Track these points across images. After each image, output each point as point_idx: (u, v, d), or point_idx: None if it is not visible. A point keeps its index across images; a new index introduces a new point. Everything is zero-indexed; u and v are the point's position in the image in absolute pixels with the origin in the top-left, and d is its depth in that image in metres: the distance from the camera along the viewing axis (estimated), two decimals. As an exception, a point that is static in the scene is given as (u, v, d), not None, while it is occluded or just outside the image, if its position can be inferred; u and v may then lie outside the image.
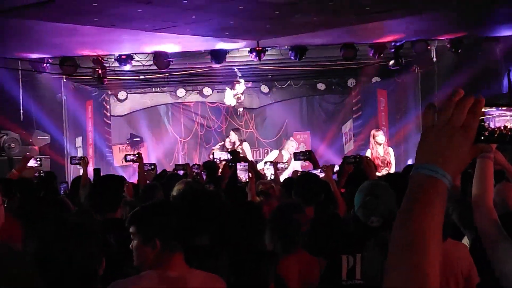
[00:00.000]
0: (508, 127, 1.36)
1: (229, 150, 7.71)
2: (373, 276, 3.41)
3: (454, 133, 1.37)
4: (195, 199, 3.89)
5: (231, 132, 15.37)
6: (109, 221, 4.41)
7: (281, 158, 14.06)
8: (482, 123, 1.36)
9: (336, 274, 3.58)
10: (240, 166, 7.21)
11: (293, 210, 4.40)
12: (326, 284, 3.62)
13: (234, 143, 14.85)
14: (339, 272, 3.58)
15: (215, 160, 8.25)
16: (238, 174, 7.09)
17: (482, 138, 1.37)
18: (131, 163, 8.73)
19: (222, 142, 15.66)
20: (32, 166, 6.91)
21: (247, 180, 6.85)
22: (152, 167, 9.39)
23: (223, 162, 8.31)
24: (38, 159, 7.23)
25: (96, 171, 9.10)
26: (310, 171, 7.17)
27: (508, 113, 1.37)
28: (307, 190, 5.27)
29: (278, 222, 4.27)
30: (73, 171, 13.90)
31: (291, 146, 14.86)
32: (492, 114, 1.37)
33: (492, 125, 1.37)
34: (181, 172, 9.24)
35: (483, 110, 1.36)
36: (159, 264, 2.99)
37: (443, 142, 1.38)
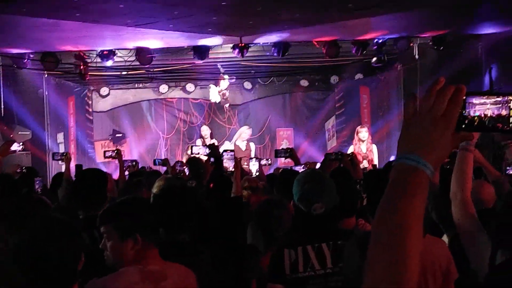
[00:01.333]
0: (488, 115, 1.36)
1: (207, 144, 7.68)
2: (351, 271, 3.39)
3: (435, 122, 1.37)
4: (172, 195, 3.87)
5: (204, 127, 15.28)
6: (94, 218, 4.37)
7: (239, 149, 13.94)
8: (464, 112, 1.37)
9: (280, 268, 3.56)
10: (226, 155, 7.19)
11: (275, 207, 4.40)
12: (271, 279, 3.61)
13: (205, 137, 14.74)
14: (282, 266, 3.55)
15: (193, 155, 8.22)
16: (225, 163, 7.07)
17: (463, 126, 1.37)
18: (111, 159, 8.69)
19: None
20: (15, 150, 6.81)
21: (233, 169, 6.83)
22: (134, 163, 9.36)
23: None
24: (21, 143, 7.15)
25: (78, 167, 9.05)
26: (293, 168, 7.18)
27: (488, 101, 1.37)
28: (287, 186, 5.26)
29: (260, 218, 4.27)
30: (54, 167, 13.82)
31: (244, 133, 14.76)
32: (473, 103, 1.37)
33: (472, 114, 1.37)
34: (162, 170, 9.21)
35: (463, 98, 1.37)
36: (138, 259, 2.97)
37: (424, 131, 1.38)
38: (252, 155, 13.99)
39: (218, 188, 6.81)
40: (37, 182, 7.19)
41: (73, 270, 2.65)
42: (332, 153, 7.62)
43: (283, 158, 9.17)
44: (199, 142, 14.47)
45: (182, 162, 9.82)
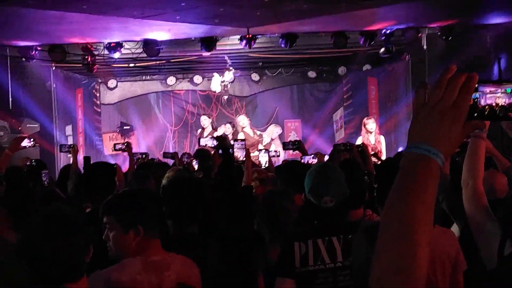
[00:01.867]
0: (499, 104, 1.34)
1: (216, 136, 7.65)
2: (359, 262, 3.38)
3: (446, 111, 1.36)
4: (180, 187, 3.86)
5: (203, 117, 15.21)
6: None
7: (249, 136, 13.91)
8: (475, 100, 1.35)
9: (289, 261, 3.55)
10: (237, 144, 7.17)
11: (280, 197, 4.37)
12: (280, 273, 3.60)
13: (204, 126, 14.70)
14: (292, 259, 3.55)
15: (201, 147, 8.23)
16: (236, 153, 7.05)
17: (475, 115, 1.35)
18: (121, 151, 8.71)
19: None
20: (25, 146, 6.81)
21: (244, 159, 6.82)
22: (144, 156, 9.36)
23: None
24: (32, 139, 7.15)
25: (86, 159, 9.05)
26: (302, 158, 7.15)
27: (499, 89, 1.35)
28: (292, 177, 5.25)
29: (265, 210, 4.25)
30: (63, 160, 13.85)
31: (242, 122, 14.71)
32: (484, 92, 1.35)
33: (483, 102, 1.35)
34: (170, 162, 9.20)
35: (475, 87, 1.35)
36: (140, 251, 2.98)
37: (435, 120, 1.37)
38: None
39: (227, 178, 6.81)
40: (44, 175, 7.19)
41: (80, 263, 2.64)
42: (341, 144, 7.61)
43: (291, 150, 9.15)
44: (206, 132, 14.43)
45: (189, 154, 9.82)
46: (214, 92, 16.86)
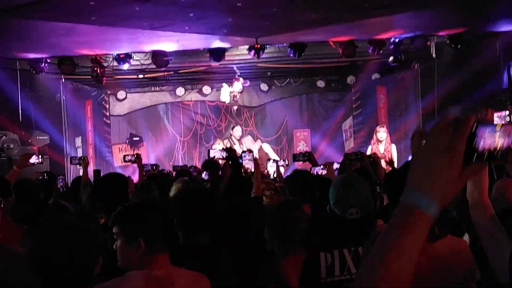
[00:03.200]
0: (498, 147, 1.28)
1: (225, 148, 7.64)
2: None
3: (438, 156, 1.30)
4: (190, 198, 3.84)
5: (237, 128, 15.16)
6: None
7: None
8: (473, 144, 1.29)
9: (315, 271, 3.53)
10: (246, 156, 7.16)
11: (290, 208, 4.34)
12: (305, 283, 3.57)
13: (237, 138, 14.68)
14: (318, 269, 3.52)
15: (211, 158, 8.23)
16: (245, 164, 7.04)
17: (474, 159, 1.29)
18: (130, 163, 8.74)
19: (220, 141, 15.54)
20: (33, 163, 6.82)
21: (253, 170, 6.80)
22: (154, 167, 9.38)
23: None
24: (40, 156, 7.17)
25: (96, 172, 9.07)
26: (312, 169, 7.13)
27: (497, 130, 1.30)
28: (300, 188, 5.23)
29: (275, 221, 4.22)
30: (73, 172, 13.88)
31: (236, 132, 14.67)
32: (482, 133, 1.30)
33: (482, 145, 1.29)
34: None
35: (472, 129, 1.30)
36: (144, 264, 2.94)
37: (428, 166, 1.31)
38: (271, 155, 13.89)
39: (237, 190, 6.80)
40: (60, 180, 7.21)
41: (90, 273, 2.63)
42: (352, 153, 7.60)
43: (301, 162, 9.15)
44: (218, 145, 14.44)
45: (195, 167, 9.83)
46: (223, 102, 16.90)
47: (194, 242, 3.66)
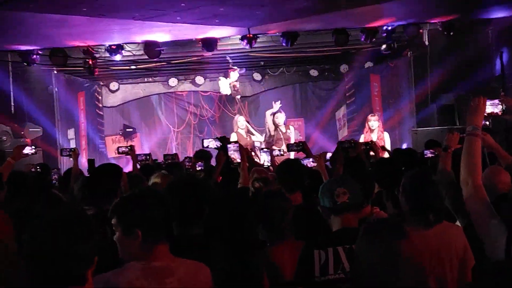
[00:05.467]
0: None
1: (218, 137, 7.61)
2: (360, 269, 3.34)
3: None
4: (184, 188, 3.83)
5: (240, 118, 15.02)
6: (106, 212, 4.34)
7: (241, 137, 13.83)
8: None
9: (309, 270, 3.50)
10: (231, 146, 7.15)
11: (275, 197, 4.34)
12: (299, 281, 3.56)
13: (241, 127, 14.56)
14: (312, 268, 3.50)
15: (204, 148, 8.20)
16: (231, 155, 7.03)
17: None
18: (124, 154, 8.71)
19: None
20: (27, 154, 6.79)
21: (240, 161, 6.81)
22: (147, 157, 9.33)
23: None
24: (33, 146, 7.12)
25: (90, 161, 8.98)
26: (303, 160, 7.13)
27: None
28: (289, 176, 5.24)
29: (261, 210, 4.21)
30: (66, 163, 13.85)
31: (240, 121, 14.58)
32: None
33: None
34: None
35: None
36: (143, 255, 2.93)
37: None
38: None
39: (226, 180, 6.81)
40: (53, 173, 7.17)
41: (86, 267, 2.61)
42: (345, 141, 7.61)
43: (295, 152, 9.16)
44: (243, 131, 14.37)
45: (190, 158, 9.79)
46: (216, 92, 16.88)
47: (189, 232, 3.66)
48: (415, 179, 3.48)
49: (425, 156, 7.18)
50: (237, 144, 7.11)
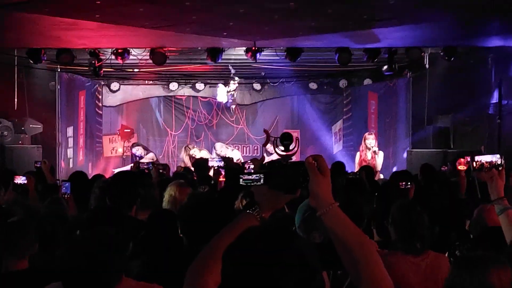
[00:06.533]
0: None
1: (222, 157, 7.76)
2: None
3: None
4: (202, 208, 3.91)
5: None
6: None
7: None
8: None
9: None
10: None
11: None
12: None
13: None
14: None
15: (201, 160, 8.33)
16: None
17: None
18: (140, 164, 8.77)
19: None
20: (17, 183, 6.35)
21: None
22: (164, 168, 9.30)
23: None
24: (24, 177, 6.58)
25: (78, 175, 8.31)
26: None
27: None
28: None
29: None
30: (63, 159, 14.07)
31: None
32: None
33: None
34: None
35: None
36: None
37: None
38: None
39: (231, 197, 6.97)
40: (64, 188, 6.40)
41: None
42: (351, 172, 7.75)
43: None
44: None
45: (180, 167, 9.79)
46: (216, 99, 17.05)
47: (199, 248, 3.78)
48: (403, 209, 3.70)
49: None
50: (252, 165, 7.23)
